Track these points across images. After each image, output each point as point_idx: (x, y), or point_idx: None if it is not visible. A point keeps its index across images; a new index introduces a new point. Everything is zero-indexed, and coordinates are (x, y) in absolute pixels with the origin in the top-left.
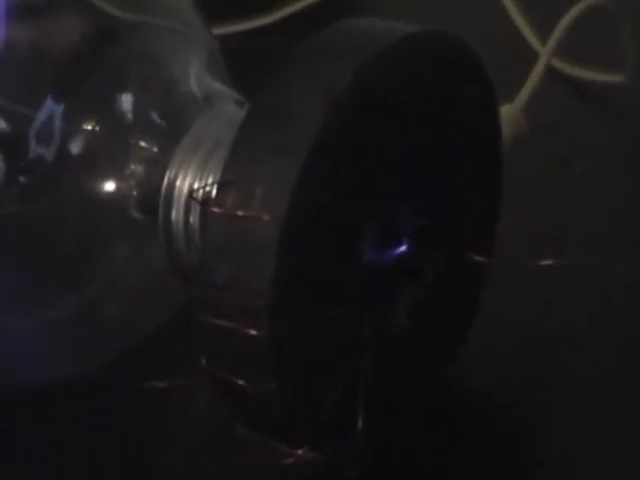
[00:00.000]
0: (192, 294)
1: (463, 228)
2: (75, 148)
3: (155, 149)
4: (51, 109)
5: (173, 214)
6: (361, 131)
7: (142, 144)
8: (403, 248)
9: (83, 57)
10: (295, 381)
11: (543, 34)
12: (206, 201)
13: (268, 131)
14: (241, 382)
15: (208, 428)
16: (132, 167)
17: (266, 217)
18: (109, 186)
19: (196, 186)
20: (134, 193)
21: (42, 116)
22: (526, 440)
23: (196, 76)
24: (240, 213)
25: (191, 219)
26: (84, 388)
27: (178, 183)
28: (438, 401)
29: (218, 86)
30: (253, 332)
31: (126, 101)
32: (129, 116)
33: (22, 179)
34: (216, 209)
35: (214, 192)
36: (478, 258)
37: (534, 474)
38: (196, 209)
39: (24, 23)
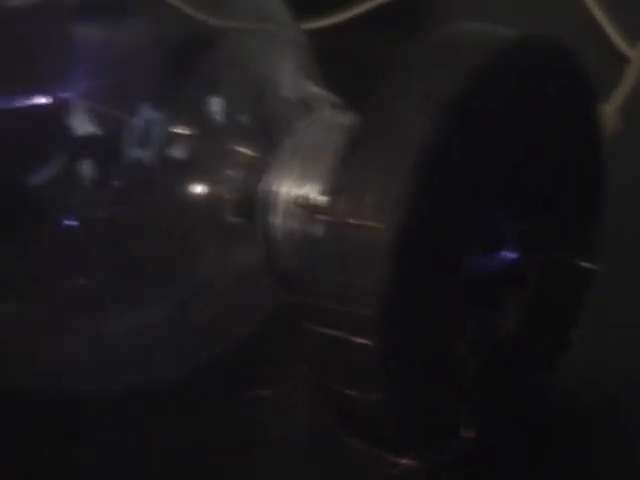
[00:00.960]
0: (293, 299)
1: (566, 231)
2: (170, 152)
3: (251, 153)
4: (147, 114)
5: (272, 219)
6: (468, 139)
7: (237, 148)
8: (505, 254)
9: (178, 63)
10: (401, 390)
11: (631, 38)
12: (314, 208)
13: (378, 139)
14: (349, 391)
15: (308, 436)
16: (227, 171)
17: (377, 225)
18: (204, 190)
19: (295, 191)
20: (229, 197)
21: (138, 121)
22: (623, 447)
23: (291, 79)
24: (350, 221)
25: (292, 224)
26: (180, 393)
27: (277, 188)
28: (538, 407)
29: (314, 89)
30: (363, 342)
31: (221, 106)
32: (224, 120)
33: (117, 183)
34: (325, 216)
35: (319, 199)
36: (581, 262)
37: None
38: (297, 215)
39: (121, 29)
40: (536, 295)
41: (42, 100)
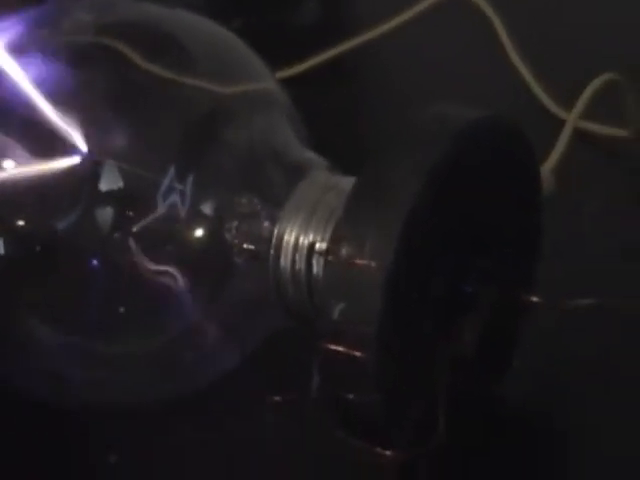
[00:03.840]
0: (298, 323)
1: (514, 269)
2: (189, 205)
3: (259, 207)
4: (173, 174)
5: (282, 261)
6: (443, 199)
7: (250, 204)
8: (465, 285)
9: (199, 131)
10: (392, 394)
11: (562, 102)
12: (322, 252)
13: (374, 197)
14: (350, 395)
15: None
16: (238, 221)
17: (374, 265)
18: (216, 236)
19: (301, 239)
20: (237, 242)
21: (166, 180)
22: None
23: (291, 145)
24: (353, 261)
25: (298, 265)
26: (195, 404)
27: (285, 236)
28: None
29: (310, 154)
30: (362, 355)
31: (236, 167)
32: (238, 180)
33: (141, 232)
34: (332, 258)
35: (327, 245)
36: (523, 294)
37: None
38: (303, 257)
39: (146, 102)
40: (487, 320)
41: (79, 159)
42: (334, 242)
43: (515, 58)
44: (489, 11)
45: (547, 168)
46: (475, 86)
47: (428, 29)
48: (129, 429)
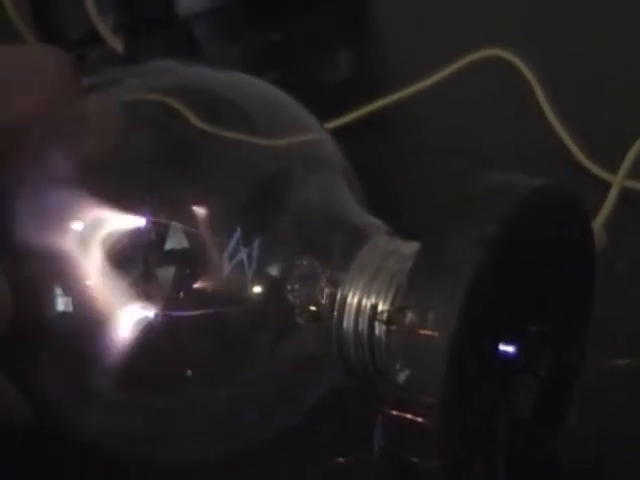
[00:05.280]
0: (359, 386)
1: (567, 330)
2: (254, 266)
3: (319, 270)
4: (240, 236)
5: (345, 323)
6: (502, 268)
7: (308, 265)
8: (522, 349)
9: (262, 192)
10: (453, 458)
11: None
12: (388, 319)
13: (435, 266)
14: (412, 459)
15: None
16: (299, 283)
17: (437, 334)
18: (279, 297)
19: (364, 303)
20: (299, 303)
21: (232, 242)
22: None
23: (348, 204)
24: (417, 331)
25: (361, 328)
26: (250, 462)
27: (348, 300)
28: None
29: (369, 218)
30: (425, 421)
31: (300, 230)
32: (297, 241)
33: (206, 289)
34: (397, 326)
35: (392, 312)
36: (576, 357)
37: None
38: (365, 321)
39: (212, 165)
40: (542, 381)
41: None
42: (398, 310)
43: (551, 116)
44: (525, 70)
45: (597, 224)
46: (511, 144)
47: (464, 87)
48: None
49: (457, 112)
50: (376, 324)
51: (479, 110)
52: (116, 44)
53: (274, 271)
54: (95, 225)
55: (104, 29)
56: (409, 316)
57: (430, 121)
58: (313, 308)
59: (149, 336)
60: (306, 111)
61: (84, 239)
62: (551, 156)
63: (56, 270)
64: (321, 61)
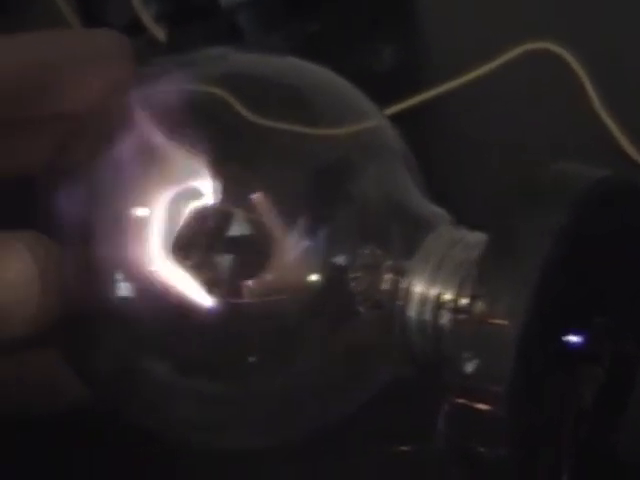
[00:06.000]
0: (423, 375)
1: (630, 320)
2: (317, 254)
3: (382, 258)
4: (303, 224)
5: (409, 312)
6: (571, 256)
7: (370, 253)
8: (588, 339)
9: (325, 181)
10: (522, 448)
11: None
12: (457, 308)
13: (506, 255)
14: (480, 449)
15: None
16: (361, 272)
17: (508, 324)
18: (340, 285)
19: (429, 292)
20: (361, 291)
21: (296, 231)
22: None
23: (410, 192)
24: (487, 320)
25: (425, 317)
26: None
27: (413, 289)
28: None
29: (432, 207)
30: (494, 411)
31: (357, 216)
32: (359, 229)
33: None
34: (466, 315)
35: (461, 301)
36: (636, 348)
37: None
38: (430, 310)
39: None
40: (606, 371)
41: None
42: (468, 299)
43: (601, 110)
44: (575, 64)
45: None
46: (559, 138)
47: (510, 80)
48: (242, 474)
49: (504, 105)
50: (441, 312)
51: (526, 103)
52: (158, 33)
53: (337, 260)
54: (160, 211)
55: (147, 18)
56: (479, 305)
57: (475, 114)
58: (375, 297)
59: (211, 323)
60: (365, 96)
61: (148, 225)
62: (601, 150)
63: (119, 255)
64: (363, 52)
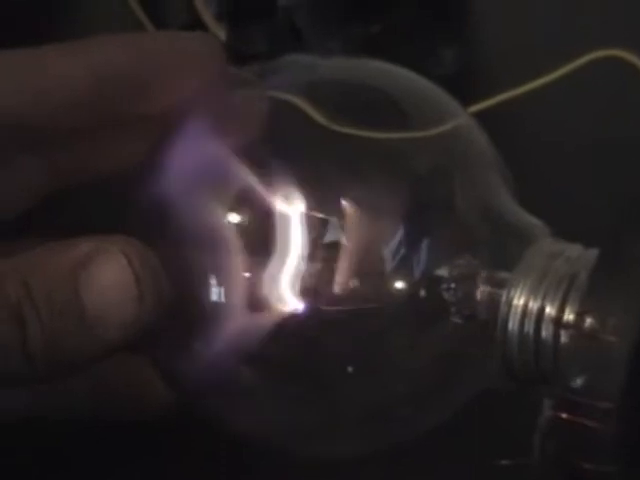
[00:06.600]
0: (522, 388)
1: None
2: (414, 265)
3: (477, 269)
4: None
5: (510, 325)
6: None
7: (466, 264)
8: None
9: (422, 190)
10: (629, 464)
11: None
12: (565, 323)
13: (615, 273)
14: (587, 466)
15: None
16: (456, 282)
17: (618, 341)
18: (436, 295)
19: (530, 306)
20: (456, 302)
21: (394, 240)
22: None
23: (505, 203)
24: (596, 336)
25: (526, 330)
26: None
27: (515, 301)
28: None
29: (529, 218)
30: (603, 428)
31: (452, 225)
32: (455, 239)
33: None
34: (574, 330)
35: (569, 316)
36: None
37: None
38: (532, 322)
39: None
40: None
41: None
42: (573, 313)
43: None
44: None
45: None
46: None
47: (576, 87)
48: None
49: (574, 112)
50: (543, 326)
51: (596, 110)
52: (219, 32)
53: (433, 270)
54: (252, 217)
55: (207, 16)
56: (588, 320)
57: (542, 121)
58: (470, 307)
59: (305, 330)
60: (451, 98)
61: (243, 230)
62: None
63: (213, 260)
64: (424, 55)
